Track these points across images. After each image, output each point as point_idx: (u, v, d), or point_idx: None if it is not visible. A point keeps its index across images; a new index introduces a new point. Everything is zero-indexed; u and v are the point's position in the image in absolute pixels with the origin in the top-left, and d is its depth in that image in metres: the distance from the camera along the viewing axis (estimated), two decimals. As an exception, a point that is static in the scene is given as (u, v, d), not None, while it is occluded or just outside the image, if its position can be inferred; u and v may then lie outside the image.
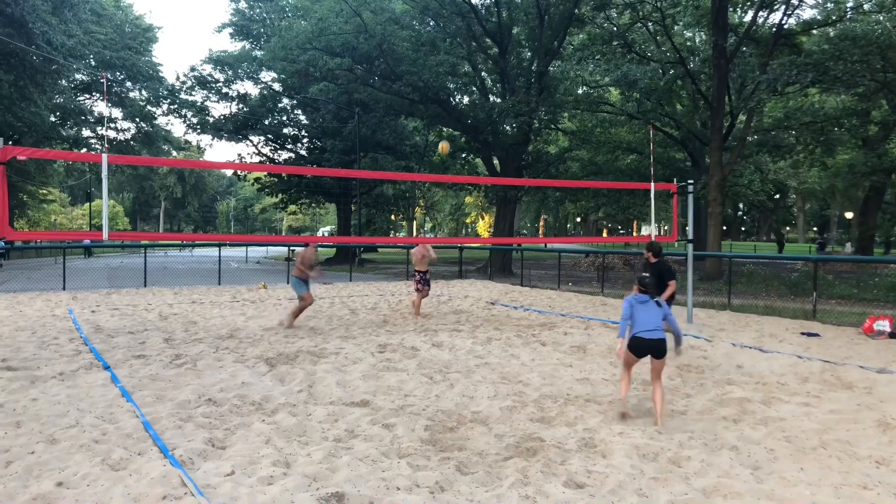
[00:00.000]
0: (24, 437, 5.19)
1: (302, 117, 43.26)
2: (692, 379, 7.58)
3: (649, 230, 13.86)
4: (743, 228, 77.07)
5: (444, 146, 16.80)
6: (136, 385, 6.93)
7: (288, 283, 21.19)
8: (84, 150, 47.86)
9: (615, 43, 26.53)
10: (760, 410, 6.26)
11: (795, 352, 9.23)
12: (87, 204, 56.69)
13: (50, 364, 7.96)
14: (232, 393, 6.66)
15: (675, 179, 12.99)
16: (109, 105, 44.26)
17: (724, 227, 42.65)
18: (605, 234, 72.69)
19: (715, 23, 22.79)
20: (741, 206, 64.32)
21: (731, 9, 25.67)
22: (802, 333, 10.88)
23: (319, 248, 15.78)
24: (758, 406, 6.40)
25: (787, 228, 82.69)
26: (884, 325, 10.67)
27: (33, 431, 5.34)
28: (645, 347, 5.89)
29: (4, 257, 33.59)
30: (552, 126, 32.03)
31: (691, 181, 12.49)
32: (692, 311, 12.48)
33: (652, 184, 12.39)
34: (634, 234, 66.46)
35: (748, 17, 25.63)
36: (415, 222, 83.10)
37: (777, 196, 53.21)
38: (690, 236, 12.64)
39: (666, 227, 62.11)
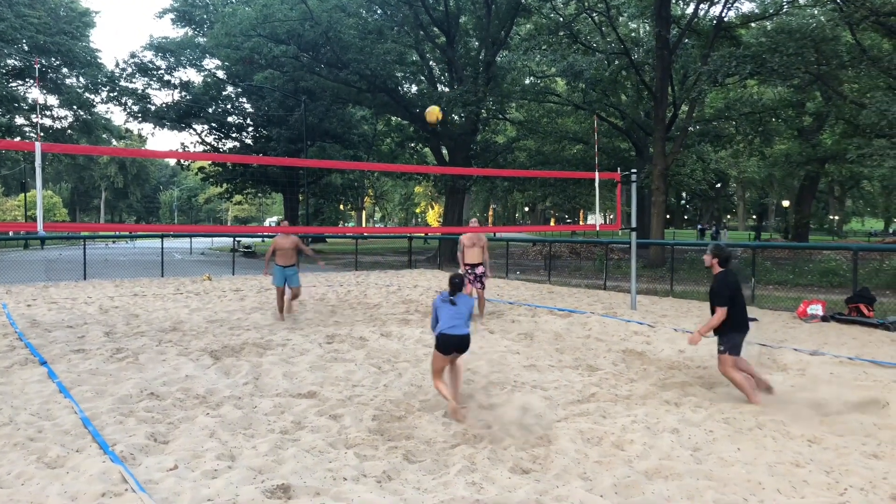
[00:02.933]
0: (-45, 437, 5.00)
1: (247, 105, 42.52)
2: (636, 364, 7.75)
3: (594, 219, 14.04)
4: (686, 217, 78.90)
5: (433, 113, 14.45)
6: (74, 380, 6.74)
7: (233, 273, 20.88)
8: (17, 138, 46.04)
9: (561, 33, 26.76)
10: (701, 393, 6.44)
11: (734, 336, 9.50)
12: (22, 194, 54.66)
13: (-18, 360, 7.67)
14: (175, 387, 6.54)
15: (619, 169, 13.21)
16: (44, 92, 42.60)
17: (668, 216, 43.69)
18: (552, 224, 73.54)
19: (658, 14, 23.20)
20: (684, 194, 65.81)
21: (673, 1, 26.15)
22: (741, 318, 11.21)
23: (266, 239, 15.50)
24: (698, 389, 6.59)
25: (728, 216, 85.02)
26: (817, 310, 11.07)
27: (-36, 430, 5.15)
28: (452, 344, 5.89)
29: None
30: (500, 116, 32.21)
31: (635, 171, 12.71)
32: (636, 297, 12.75)
33: (597, 173, 12.57)
34: (581, 222, 67.40)
35: (690, 10, 26.15)
36: (364, 212, 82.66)
37: (718, 185, 54.66)
38: (634, 224, 12.89)
39: (611, 216, 63.19)
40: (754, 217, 78.19)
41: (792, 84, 24.28)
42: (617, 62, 27.62)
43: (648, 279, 18.33)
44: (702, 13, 25.43)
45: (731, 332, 6.24)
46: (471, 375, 7.10)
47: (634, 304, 12.57)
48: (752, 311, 11.99)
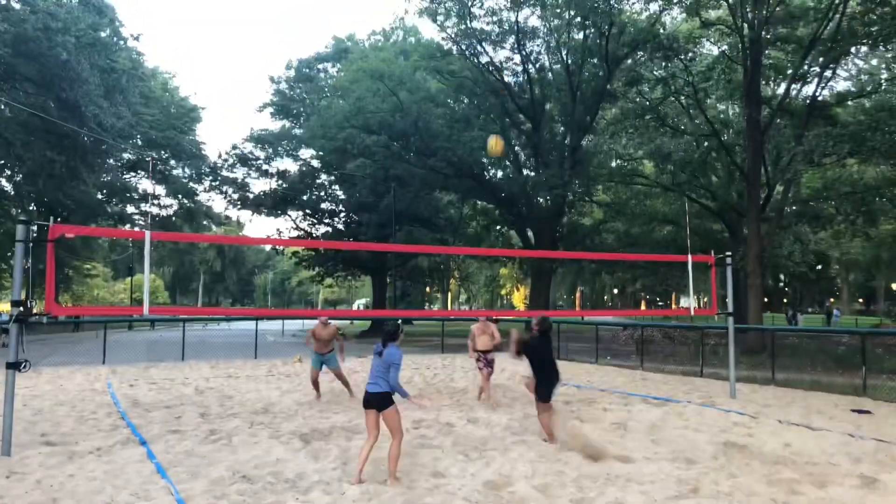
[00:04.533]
0: (59, 515, 5.17)
1: (339, 192, 44.14)
2: (737, 458, 7.29)
3: (688, 302, 13.62)
4: (785, 300, 75.41)
5: (495, 144, 13.50)
6: (171, 461, 6.91)
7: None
8: (128, 225, 49.28)
9: (648, 117, 26.82)
10: (811, 492, 5.97)
11: (846, 430, 8.84)
12: (129, 278, 57.97)
13: (88, 439, 7.99)
14: (266, 470, 6.60)
15: (712, 251, 12.85)
16: (154, 183, 45.74)
17: (766, 299, 41.84)
18: (643, 307, 71.72)
19: (748, 95, 22.95)
20: (782, 276, 63.09)
21: (763, 82, 25.86)
22: (853, 410, 10.46)
23: (355, 321, 15.82)
24: (808, 487, 6.12)
25: (832, 300, 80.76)
26: (939, 402, 10.21)
27: (68, 509, 5.33)
28: (365, 399, 6.08)
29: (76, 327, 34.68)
30: (586, 199, 32.17)
31: (729, 253, 12.34)
32: (735, 385, 12.12)
33: (689, 256, 12.26)
34: (673, 305, 65.44)
35: (781, 90, 25.78)
36: (449, 294, 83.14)
37: (819, 267, 52.19)
38: (731, 309, 12.39)
39: (705, 300, 61.09)
40: (860, 300, 73.88)
41: (896, 162, 23.33)
42: (706, 144, 27.31)
43: (747, 366, 17.41)
44: (794, 93, 25.00)
45: (541, 385, 8.06)
46: (561, 467, 6.85)
47: (734, 393, 11.94)
48: (864, 403, 11.19)
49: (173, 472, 6.44)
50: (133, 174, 47.90)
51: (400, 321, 6.85)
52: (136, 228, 45.43)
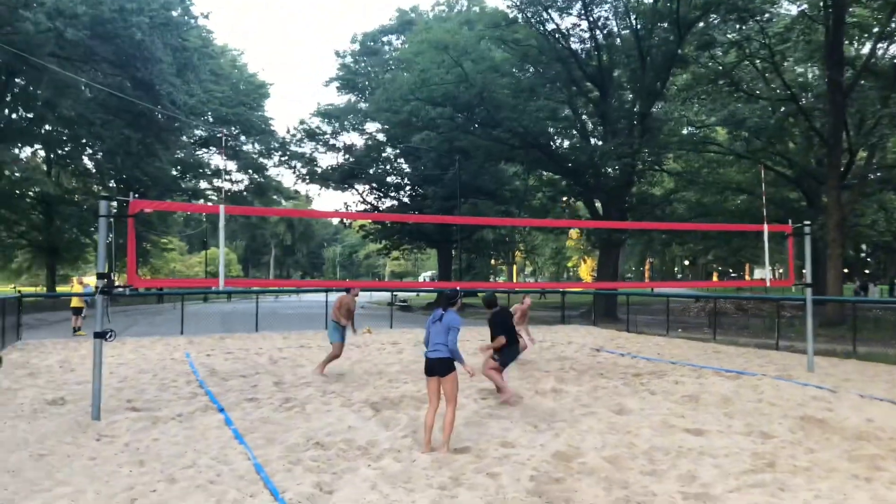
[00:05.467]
0: (147, 476, 5.44)
1: (405, 165, 44.39)
2: (816, 433, 7.07)
3: (763, 273, 13.22)
4: (867, 271, 72.23)
5: None
6: (247, 427, 7.16)
7: (391, 326, 21.50)
8: (201, 200, 50.81)
9: (721, 82, 25.84)
10: (896, 469, 5.75)
11: (934, 405, 8.46)
12: (204, 252, 59.88)
13: (169, 406, 8.35)
14: (339, 437, 6.76)
15: (789, 220, 12.38)
16: (225, 158, 46.94)
17: (846, 270, 40.15)
18: (715, 278, 69.88)
19: (829, 57, 21.86)
20: (864, 247, 60.31)
21: (846, 42, 24.54)
22: (941, 385, 9.99)
23: (421, 293, 15.80)
24: (893, 464, 5.88)
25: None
26: None
27: (155, 470, 5.60)
28: (427, 366, 6.12)
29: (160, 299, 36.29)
30: (656, 168, 31.37)
31: (808, 222, 11.88)
32: (813, 359, 11.72)
33: (765, 225, 11.85)
34: (747, 277, 63.57)
35: (866, 50, 24.43)
36: (515, 266, 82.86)
37: (904, 236, 49.67)
38: (809, 280, 11.96)
39: (781, 270, 59.10)
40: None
41: None
42: (783, 109, 26.18)
43: (826, 339, 16.80)
44: (880, 52, 23.66)
45: (506, 352, 8.97)
46: (632, 439, 6.79)
47: (812, 366, 11.56)
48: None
49: (250, 438, 6.67)
50: (205, 150, 49.31)
51: (460, 290, 6.85)
52: (210, 203, 46.78)
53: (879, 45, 23.16)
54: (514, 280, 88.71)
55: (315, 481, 5.28)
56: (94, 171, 41.38)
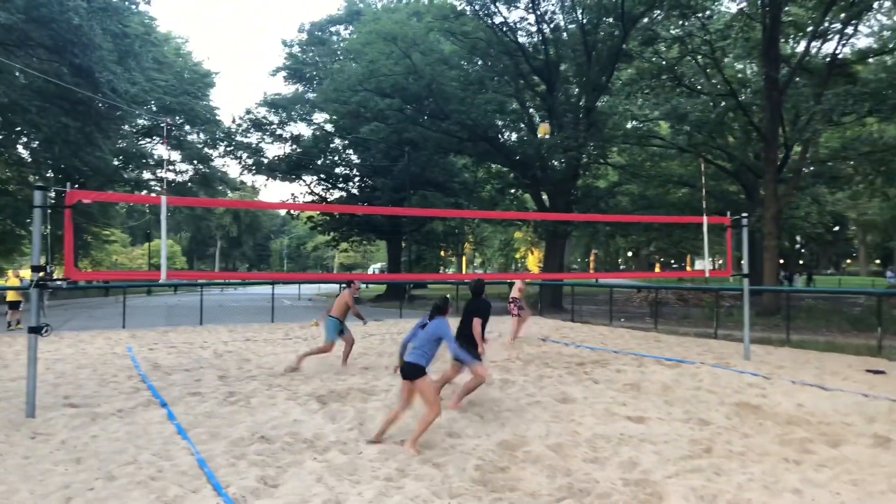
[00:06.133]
0: (84, 474, 5.33)
1: (353, 157, 44.02)
2: (751, 418, 7.34)
3: (703, 264, 13.62)
4: (801, 262, 75.01)
5: (543, 129, 16.90)
6: (191, 422, 7.06)
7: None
8: (144, 192, 49.53)
9: (664, 77, 26.36)
10: (824, 451, 6.02)
11: (860, 390, 8.87)
12: (147, 244, 58.48)
13: (109, 401, 8.17)
14: (284, 430, 6.72)
15: (728, 212, 12.76)
16: (169, 149, 45.84)
17: (782, 261, 41.55)
18: (657, 269, 71.48)
19: (766, 54, 22.52)
20: (798, 238, 62.58)
21: (782, 40, 25.30)
22: (868, 371, 10.46)
23: (370, 285, 15.96)
24: (821, 447, 6.16)
25: (848, 261, 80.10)
26: (955, 362, 10.19)
27: (93, 468, 5.48)
28: (401, 370, 6.29)
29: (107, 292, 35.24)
30: (601, 161, 31.87)
31: (745, 214, 12.26)
32: (749, 347, 12.14)
33: (704, 217, 12.20)
34: (688, 268, 65.20)
35: (801, 48, 25.22)
36: (464, 258, 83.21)
37: (836, 228, 51.65)
38: (746, 270, 12.36)
39: (720, 261, 60.79)
40: (877, 261, 73.18)
41: (917, 120, 22.87)
42: (723, 104, 26.87)
43: (762, 327, 17.41)
44: (814, 51, 24.46)
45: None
46: (575, 427, 6.93)
47: (748, 354, 11.97)
48: (879, 364, 11.20)
49: (194, 433, 6.58)
50: (148, 140, 48.00)
51: (448, 296, 6.94)
52: (153, 195, 45.66)
53: (813, 44, 23.95)
54: (464, 272, 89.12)
55: (259, 475, 5.26)
56: (29, 160, 39.88)
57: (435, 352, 6.37)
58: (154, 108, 43.16)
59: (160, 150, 48.17)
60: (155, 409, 7.70)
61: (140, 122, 44.32)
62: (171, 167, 47.60)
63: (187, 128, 46.49)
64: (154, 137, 46.78)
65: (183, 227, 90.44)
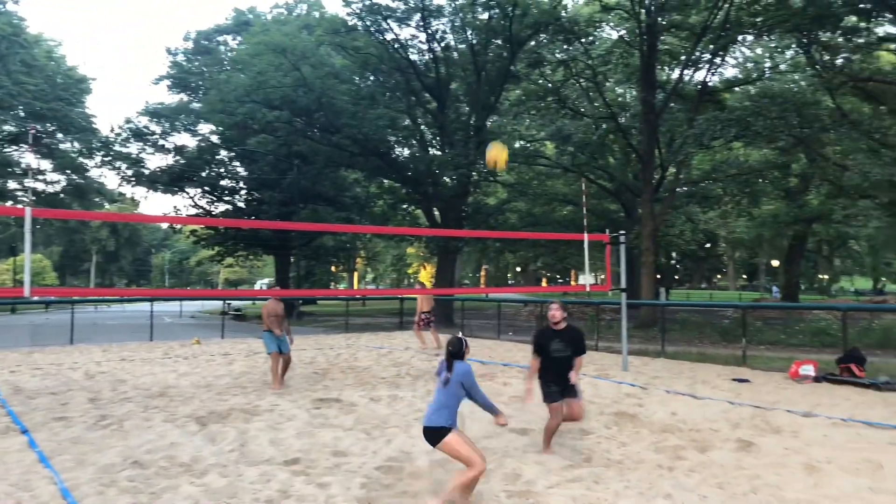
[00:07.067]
0: (-71, 510, 4.86)
1: (240, 169, 42.82)
2: (628, 427, 7.65)
3: (585, 279, 14.11)
4: (676, 277, 79.28)
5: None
6: (55, 449, 6.59)
7: (222, 337, 20.67)
8: (10, 202, 46.14)
9: (549, 99, 27.36)
10: (694, 457, 6.35)
11: (727, 398, 9.43)
12: (11, 259, 54.49)
13: (-37, 429, 7.51)
14: (160, 454, 6.40)
15: (608, 230, 13.33)
16: (38, 157, 42.94)
17: (659, 276, 43.80)
18: (544, 284, 73.59)
19: (644, 80, 23.81)
20: (674, 254, 66.16)
21: (658, 67, 26.83)
22: (734, 379, 11.15)
23: (257, 302, 15.48)
24: (692, 453, 6.50)
25: (719, 276, 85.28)
26: (809, 370, 11.03)
27: (-61, 503, 5.01)
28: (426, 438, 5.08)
29: None
30: (490, 178, 32.58)
31: (623, 231, 12.83)
32: (627, 358, 12.68)
33: (585, 235, 12.67)
34: (573, 283, 67.48)
35: (675, 75, 26.83)
36: (356, 273, 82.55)
37: (708, 245, 55.03)
38: (624, 285, 12.92)
39: (602, 276, 63.35)
40: (744, 276, 78.35)
41: (777, 146, 24.79)
42: (605, 126, 28.16)
43: (640, 340, 18.25)
44: (686, 78, 26.08)
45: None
46: (461, 440, 6.97)
47: (626, 366, 12.49)
48: (744, 373, 11.96)
49: (58, 461, 6.15)
50: (15, 147, 44.82)
51: (464, 339, 5.64)
52: (19, 206, 42.61)
53: (686, 72, 25.55)
54: (356, 287, 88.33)
55: (130, 502, 4.97)
56: None
57: (459, 403, 5.26)
58: (22, 114, 40.41)
59: (29, 158, 45.10)
60: (14, 437, 7.14)
61: (6, 127, 41.36)
62: (39, 177, 44.60)
63: (60, 135, 43.78)
64: (22, 145, 43.75)
65: (54, 240, 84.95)
